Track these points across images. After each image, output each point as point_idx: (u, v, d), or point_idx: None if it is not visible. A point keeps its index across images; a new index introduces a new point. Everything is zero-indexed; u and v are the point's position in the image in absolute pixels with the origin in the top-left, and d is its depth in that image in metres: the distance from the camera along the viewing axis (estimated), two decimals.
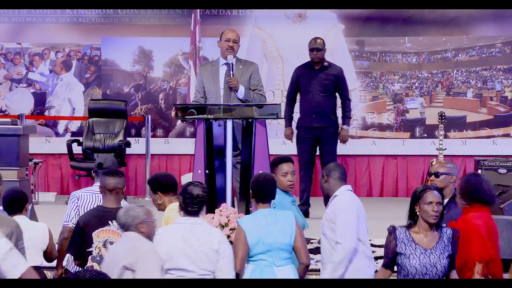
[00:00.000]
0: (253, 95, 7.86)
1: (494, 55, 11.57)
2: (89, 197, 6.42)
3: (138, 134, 11.63)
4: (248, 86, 7.88)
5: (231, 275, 5.37)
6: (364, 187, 11.47)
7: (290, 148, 9.86)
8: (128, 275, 4.96)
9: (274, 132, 10.87)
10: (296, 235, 5.58)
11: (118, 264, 5.00)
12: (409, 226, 5.50)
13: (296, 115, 9.73)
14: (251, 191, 5.71)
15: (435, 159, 9.87)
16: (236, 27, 9.84)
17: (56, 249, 6.44)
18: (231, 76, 7.77)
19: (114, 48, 11.70)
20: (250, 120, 7.04)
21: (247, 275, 5.50)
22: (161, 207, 6.15)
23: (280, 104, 7.46)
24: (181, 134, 11.69)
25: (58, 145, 11.42)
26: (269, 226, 5.54)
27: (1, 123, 8.92)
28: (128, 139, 11.02)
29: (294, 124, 9.75)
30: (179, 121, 11.36)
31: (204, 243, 5.35)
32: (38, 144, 11.24)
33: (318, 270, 6.18)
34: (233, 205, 7.02)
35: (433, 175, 6.31)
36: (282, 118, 8.63)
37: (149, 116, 11.26)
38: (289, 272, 5.54)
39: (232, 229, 6.30)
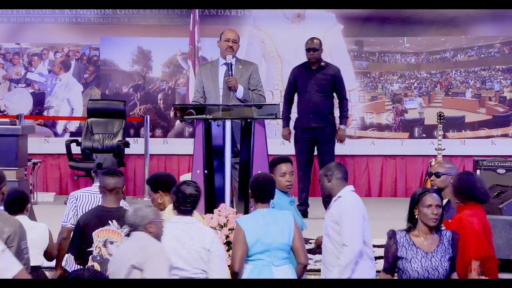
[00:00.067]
0: (252, 95, 7.85)
1: (493, 55, 11.57)
2: (88, 197, 6.42)
3: (137, 134, 11.63)
4: (248, 86, 7.88)
5: (222, 275, 5.36)
6: (363, 187, 11.45)
7: (289, 148, 9.85)
8: (136, 274, 4.96)
9: (273, 132, 10.86)
10: (294, 235, 5.58)
11: (126, 263, 5.01)
12: (408, 230, 5.44)
13: (294, 115, 9.73)
14: (250, 191, 5.71)
15: (434, 159, 9.88)
16: (235, 27, 9.84)
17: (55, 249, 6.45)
18: (231, 76, 7.77)
19: (113, 48, 11.69)
20: (249, 120, 7.04)
21: (245, 275, 5.49)
22: (161, 207, 6.14)
23: (279, 104, 7.47)
24: (180, 134, 11.68)
25: (57, 145, 11.41)
26: (267, 226, 5.54)
27: (0, 123, 8.92)
28: (127, 139, 11.01)
29: (292, 124, 9.75)
30: (178, 121, 11.33)
31: (197, 242, 5.34)
32: (37, 144, 11.24)
33: (317, 270, 6.17)
34: (232, 205, 7.03)
35: (433, 175, 6.31)
36: (281, 118, 8.63)
37: (148, 116, 11.25)
38: (287, 272, 5.54)
39: (231, 229, 6.31)
